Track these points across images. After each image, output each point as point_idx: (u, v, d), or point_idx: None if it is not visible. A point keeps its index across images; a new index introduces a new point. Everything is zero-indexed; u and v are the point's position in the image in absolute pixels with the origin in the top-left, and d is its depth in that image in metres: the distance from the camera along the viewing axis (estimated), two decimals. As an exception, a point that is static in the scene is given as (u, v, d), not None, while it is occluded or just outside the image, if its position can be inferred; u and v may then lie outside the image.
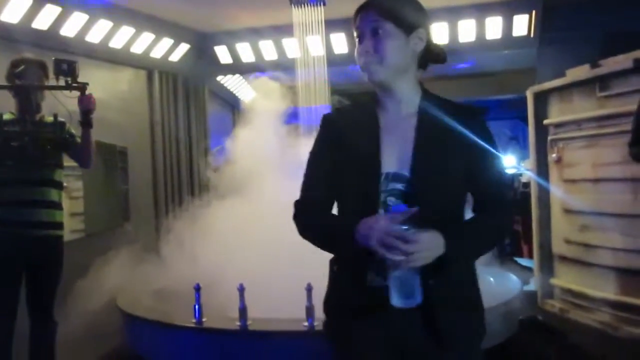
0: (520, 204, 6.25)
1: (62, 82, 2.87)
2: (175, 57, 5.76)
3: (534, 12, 5.03)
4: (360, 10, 1.54)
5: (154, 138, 5.69)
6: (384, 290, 1.42)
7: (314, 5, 4.74)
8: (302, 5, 4.74)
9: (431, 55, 1.60)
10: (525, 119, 5.02)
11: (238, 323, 2.98)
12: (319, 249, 1.57)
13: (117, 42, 5.05)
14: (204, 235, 3.98)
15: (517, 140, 10.90)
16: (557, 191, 4.44)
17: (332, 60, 5.24)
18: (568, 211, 4.31)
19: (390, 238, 1.33)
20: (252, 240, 3.75)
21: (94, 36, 4.78)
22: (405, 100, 1.56)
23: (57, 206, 3.02)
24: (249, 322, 2.99)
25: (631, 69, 3.66)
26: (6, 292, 2.88)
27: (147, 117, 5.67)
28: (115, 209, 5.20)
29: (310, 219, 1.60)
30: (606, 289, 3.90)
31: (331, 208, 1.60)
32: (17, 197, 2.88)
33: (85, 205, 4.66)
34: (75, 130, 3.01)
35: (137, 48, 5.31)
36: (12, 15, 4.03)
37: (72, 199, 4.46)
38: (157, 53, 5.54)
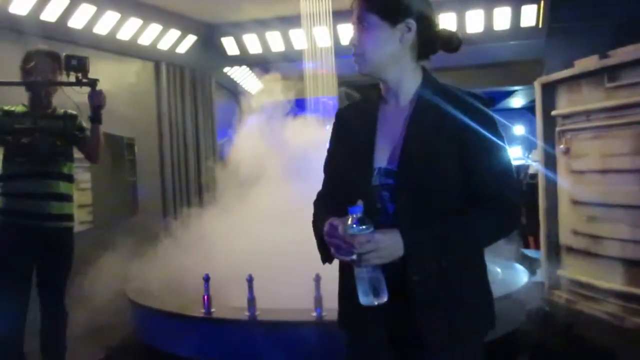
0: (527, 195, 6.24)
1: (72, 78, 2.89)
2: (182, 48, 5.76)
3: (542, 2, 5.00)
4: (353, 1, 1.52)
5: (161, 130, 5.71)
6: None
7: (321, -4, 4.73)
8: (310, -4, 4.73)
9: (441, 42, 1.54)
10: (533, 110, 5.00)
11: (247, 313, 3.00)
12: None
13: (124, 34, 5.06)
14: (212, 226, 4.00)
15: (525, 132, 10.86)
16: (564, 182, 4.43)
17: (340, 51, 5.23)
18: (576, 202, 4.30)
19: (336, 239, 1.34)
20: (260, 231, 3.77)
21: (102, 28, 4.79)
22: (401, 91, 1.53)
23: (67, 198, 3.04)
24: (257, 313, 3.01)
25: (640, 59, 3.64)
26: (18, 283, 2.91)
27: (155, 109, 5.69)
28: (123, 200, 5.23)
29: (314, 210, 1.62)
30: (613, 280, 3.89)
31: (336, 202, 1.56)
32: (28, 190, 2.90)
33: (94, 197, 4.69)
34: (87, 124, 3.02)
35: (145, 40, 5.31)
36: (21, 7, 4.04)
37: (80, 191, 4.49)
38: (164, 45, 5.55)
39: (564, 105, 4.46)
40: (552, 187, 4.59)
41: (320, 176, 1.66)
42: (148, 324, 3.48)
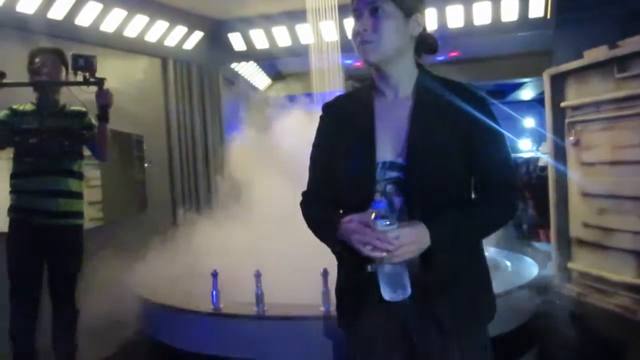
0: (537, 187, 6.21)
1: (79, 77, 2.90)
2: (189, 45, 5.77)
3: (550, -8, 4.96)
4: None
5: (169, 126, 5.72)
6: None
7: (327, -9, 4.71)
8: (316, -9, 4.72)
9: (423, 45, 1.56)
10: (542, 102, 4.96)
11: (255, 308, 3.00)
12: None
13: (131, 31, 5.07)
14: (221, 221, 4.01)
15: (534, 124, 10.79)
16: (574, 174, 4.39)
17: (346, 46, 5.21)
18: (586, 194, 4.27)
19: (368, 237, 1.33)
20: (267, 226, 3.78)
21: (109, 25, 4.80)
22: (401, 85, 1.53)
23: (77, 196, 3.06)
24: (265, 308, 3.01)
25: (651, 49, 3.59)
26: (29, 280, 2.94)
27: (163, 106, 5.70)
28: (132, 197, 5.26)
29: (307, 210, 1.61)
30: (625, 273, 3.86)
31: (331, 199, 1.57)
32: (37, 187, 2.92)
33: (103, 194, 4.72)
34: (95, 121, 3.04)
35: (152, 36, 5.32)
36: (28, 5, 4.06)
37: (90, 188, 4.51)
38: (171, 41, 5.56)
39: (573, 96, 4.41)
40: (562, 180, 4.56)
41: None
42: (157, 319, 3.49)
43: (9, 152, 3.05)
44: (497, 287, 1.66)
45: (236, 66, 6.74)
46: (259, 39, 5.83)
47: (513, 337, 3.07)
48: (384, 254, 1.33)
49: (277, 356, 2.90)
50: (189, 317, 3.21)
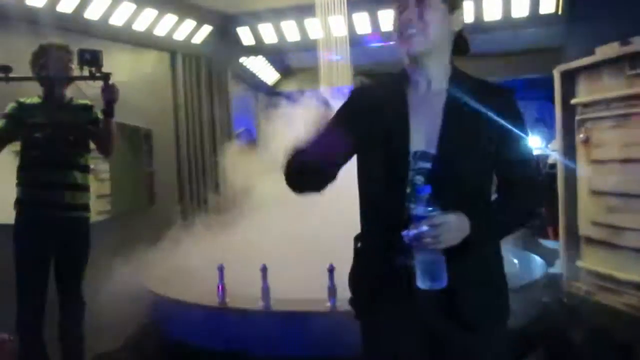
0: (546, 185, 6.17)
1: (85, 72, 2.90)
2: (198, 39, 5.76)
3: (562, -12, 4.92)
4: None
5: (177, 120, 5.72)
6: (409, 271, 1.43)
7: (336, -15, 4.69)
8: (324, -15, 4.70)
9: (458, 43, 1.58)
10: (552, 99, 4.93)
11: (261, 303, 3.01)
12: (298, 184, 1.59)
13: (140, 25, 5.07)
14: (227, 216, 4.02)
15: (544, 121, 10.71)
16: (584, 172, 4.36)
17: (355, 41, 5.19)
18: (595, 192, 4.23)
19: (416, 222, 1.33)
20: (274, 221, 3.77)
21: (118, 19, 4.81)
22: (435, 78, 1.54)
23: (83, 188, 3.07)
24: (271, 302, 3.01)
25: (663, 46, 3.56)
26: (36, 272, 2.95)
27: (171, 100, 5.70)
28: (141, 190, 5.27)
29: (300, 159, 1.55)
30: (634, 272, 3.83)
31: (323, 164, 1.53)
32: (43, 180, 2.94)
33: (112, 187, 4.74)
34: (101, 116, 3.04)
35: (160, 30, 5.32)
36: (37, -1, 4.07)
37: (98, 181, 4.53)
38: (180, 35, 5.56)
39: (583, 93, 4.38)
40: (571, 177, 4.52)
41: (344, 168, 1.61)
42: (164, 313, 3.50)
43: (15, 146, 3.06)
44: (504, 285, 1.64)
45: (245, 60, 6.74)
46: (268, 34, 5.82)
47: (520, 335, 3.05)
48: (429, 240, 1.32)
49: (282, 350, 2.90)
50: (195, 311, 3.22)
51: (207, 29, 5.76)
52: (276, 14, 5.61)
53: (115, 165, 4.67)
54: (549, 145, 7.05)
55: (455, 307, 1.47)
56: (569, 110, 4.49)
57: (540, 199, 1.63)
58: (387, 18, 5.33)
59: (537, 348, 3.30)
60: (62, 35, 3.69)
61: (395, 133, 1.50)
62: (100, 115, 3.03)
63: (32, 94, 3.03)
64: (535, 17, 5.15)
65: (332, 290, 2.90)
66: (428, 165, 1.47)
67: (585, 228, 4.38)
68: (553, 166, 6.79)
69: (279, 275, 3.06)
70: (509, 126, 1.51)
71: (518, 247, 4.37)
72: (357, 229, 1.63)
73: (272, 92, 7.40)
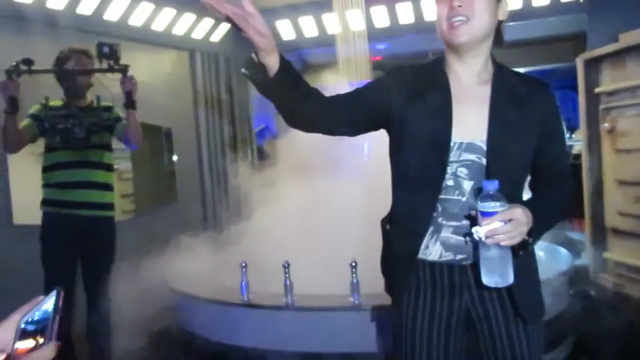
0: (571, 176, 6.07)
1: (104, 65, 2.95)
2: (216, 37, 5.78)
3: (583, -26, 4.82)
4: None
5: (197, 118, 5.75)
6: (453, 267, 1.45)
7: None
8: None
9: (498, 35, 1.54)
10: (574, 89, 4.84)
11: (284, 299, 3.01)
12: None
13: (159, 25, 5.10)
14: (249, 213, 4.03)
15: (566, 111, 10.55)
16: (609, 162, 4.28)
17: (373, 35, 5.16)
18: (622, 182, 4.16)
19: (489, 218, 1.29)
20: (296, 217, 3.77)
21: (137, 19, 4.84)
22: (478, 69, 1.51)
23: (108, 187, 3.11)
24: (294, 299, 3.01)
25: (690, 31, 3.47)
26: (64, 271, 3.00)
27: (191, 98, 5.73)
28: (163, 189, 5.32)
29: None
30: (663, 263, 3.76)
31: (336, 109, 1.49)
32: (68, 179, 2.99)
33: (135, 187, 4.79)
34: (122, 113, 3.08)
35: (179, 29, 5.35)
36: (58, 1, 4.12)
37: (122, 181, 4.58)
38: (198, 34, 5.58)
39: (607, 82, 4.29)
40: (596, 167, 4.45)
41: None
42: (187, 310, 3.53)
43: (39, 147, 3.11)
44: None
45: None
46: (286, 30, 5.81)
47: (547, 328, 3.01)
48: (503, 236, 1.30)
49: (306, 347, 2.89)
50: (218, 308, 3.24)
51: (225, 27, 5.77)
52: (294, 10, 5.60)
53: (137, 164, 4.72)
54: (572, 136, 6.94)
55: (502, 300, 1.47)
56: (592, 100, 4.41)
57: (571, 191, 1.62)
58: (404, 11, 5.30)
59: (564, 341, 3.26)
60: (82, 36, 3.74)
61: (438, 122, 1.46)
62: (121, 114, 3.07)
63: (55, 97, 3.08)
64: (556, 5, 5.06)
65: (355, 286, 2.89)
66: (474, 157, 1.44)
67: (611, 219, 4.30)
68: (577, 157, 6.69)
69: (300, 272, 3.06)
70: (551, 120, 1.51)
71: (543, 239, 4.30)
72: (376, 226, 1.62)
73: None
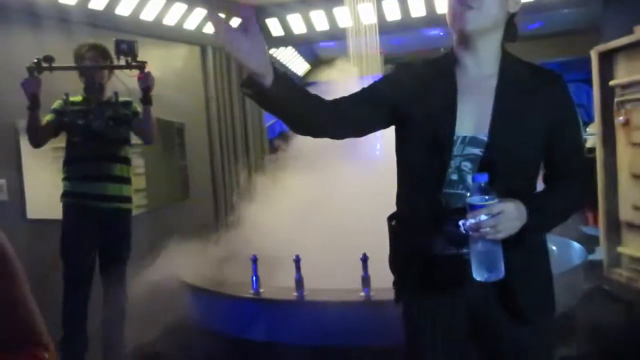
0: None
1: (122, 62, 2.99)
2: (227, 32, 5.77)
3: (598, -34, 4.76)
4: None
5: (209, 114, 5.76)
6: (457, 261, 1.41)
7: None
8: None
9: (509, 28, 1.51)
10: (588, 82, 4.79)
11: (295, 294, 3.01)
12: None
13: (170, 20, 5.11)
14: (260, 207, 4.03)
15: (581, 104, 10.46)
16: (624, 155, 4.24)
17: (385, 28, 5.13)
18: (636, 176, 4.11)
19: (480, 214, 1.27)
20: (307, 211, 3.77)
21: (148, 14, 4.85)
22: (486, 61, 1.49)
23: (125, 180, 3.17)
24: (305, 293, 3.02)
25: None
26: (83, 264, 3.04)
27: (202, 93, 5.74)
28: (175, 184, 5.33)
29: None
30: (678, 257, 3.72)
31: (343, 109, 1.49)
32: (87, 172, 3.05)
33: (147, 181, 4.80)
34: (140, 108, 3.12)
35: (190, 24, 5.35)
36: (70, -4, 4.13)
37: (135, 176, 4.60)
38: (209, 28, 5.58)
39: (622, 74, 4.24)
40: (611, 161, 4.40)
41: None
42: (199, 304, 3.55)
43: (60, 141, 3.15)
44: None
45: (274, 52, 6.73)
46: (297, 24, 5.79)
47: (561, 323, 2.99)
48: (489, 230, 1.27)
49: (317, 340, 2.90)
50: (229, 302, 3.25)
51: (236, 22, 5.76)
52: (305, 4, 5.58)
53: (150, 159, 4.73)
54: (587, 129, 6.87)
55: (505, 297, 1.44)
56: (607, 92, 4.36)
57: (587, 189, 1.59)
58: (417, 4, 5.26)
59: (578, 336, 3.24)
60: (94, 32, 3.75)
61: (442, 116, 1.45)
62: (139, 109, 3.10)
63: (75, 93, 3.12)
64: (570, -3, 5.00)
65: (366, 280, 2.88)
66: (477, 151, 1.42)
67: (626, 213, 4.26)
68: (591, 150, 6.63)
69: (311, 266, 3.06)
70: (562, 113, 1.46)
71: (557, 233, 4.27)
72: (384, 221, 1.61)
73: (302, 83, 7.40)
